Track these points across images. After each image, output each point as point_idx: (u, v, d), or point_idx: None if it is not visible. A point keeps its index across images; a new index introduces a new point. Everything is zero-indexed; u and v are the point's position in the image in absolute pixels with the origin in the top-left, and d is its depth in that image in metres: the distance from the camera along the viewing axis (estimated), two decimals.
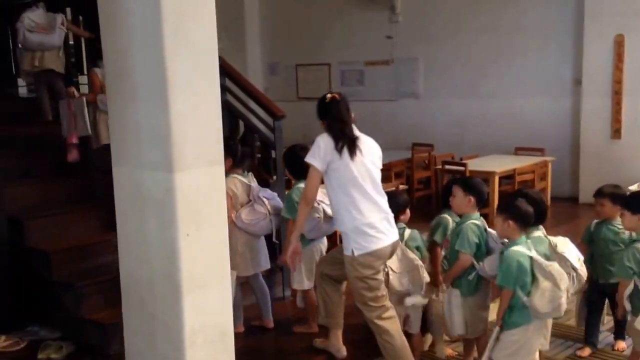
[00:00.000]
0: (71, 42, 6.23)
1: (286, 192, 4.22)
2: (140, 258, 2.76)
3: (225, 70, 4.53)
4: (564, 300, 2.98)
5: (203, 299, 2.70)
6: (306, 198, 3.34)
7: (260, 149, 4.95)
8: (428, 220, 3.73)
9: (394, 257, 3.38)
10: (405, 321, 3.53)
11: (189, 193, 2.58)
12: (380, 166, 3.40)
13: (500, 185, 6.52)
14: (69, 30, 5.63)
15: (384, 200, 3.30)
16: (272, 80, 10.11)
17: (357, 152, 3.24)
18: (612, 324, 3.91)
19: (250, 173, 3.95)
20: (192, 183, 2.58)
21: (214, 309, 2.76)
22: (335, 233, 4.47)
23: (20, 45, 5.53)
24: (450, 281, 3.38)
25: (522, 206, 3.11)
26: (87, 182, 4.66)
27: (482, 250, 3.33)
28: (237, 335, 2.91)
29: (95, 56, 5.11)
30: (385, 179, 7.20)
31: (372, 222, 3.20)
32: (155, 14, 2.42)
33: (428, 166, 7.90)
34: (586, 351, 3.76)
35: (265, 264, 3.98)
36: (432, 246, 3.69)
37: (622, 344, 3.78)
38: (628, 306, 3.22)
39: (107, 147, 3.19)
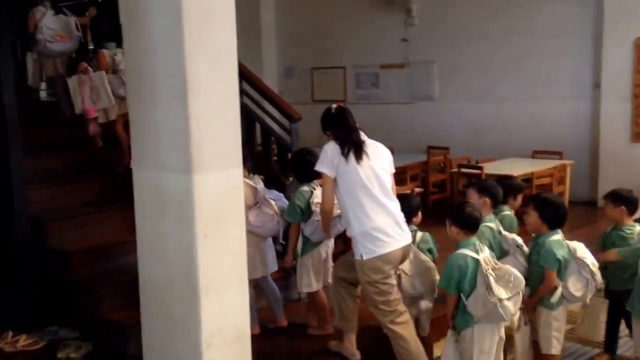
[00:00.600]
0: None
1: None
2: (159, 259, 2.78)
3: (243, 73, 4.57)
4: (505, 304, 2.93)
5: (221, 300, 2.71)
6: (324, 209, 3.42)
7: (276, 151, 4.98)
8: (443, 224, 3.71)
9: (406, 260, 3.37)
10: (415, 323, 3.51)
11: (208, 195, 2.59)
12: (392, 170, 3.42)
13: None
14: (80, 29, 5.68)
15: (393, 204, 3.30)
16: (287, 84, 10.15)
17: (364, 157, 3.26)
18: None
19: (256, 175, 3.98)
20: (210, 185, 2.60)
21: (232, 311, 2.77)
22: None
23: (37, 54, 5.59)
24: None
25: (464, 211, 3.13)
26: (108, 184, 4.72)
27: (495, 253, 3.30)
28: (253, 338, 2.92)
29: (101, 37, 5.21)
30: (401, 181, 7.19)
31: (380, 226, 3.20)
32: (176, 17, 2.45)
33: (443, 169, 7.87)
34: (604, 357, 3.72)
35: (273, 266, 3.99)
36: None
37: None
38: None
39: None
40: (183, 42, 2.45)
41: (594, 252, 3.45)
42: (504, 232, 3.41)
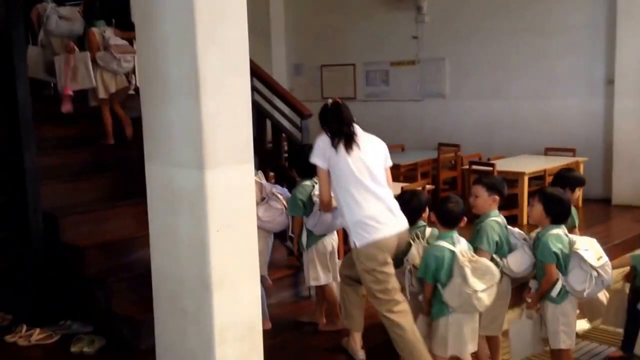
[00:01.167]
0: None
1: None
2: (172, 254, 2.81)
3: (253, 70, 4.57)
4: (480, 296, 3.03)
5: (233, 295, 2.73)
6: (322, 202, 3.49)
7: (287, 147, 4.99)
8: None
9: (416, 255, 3.36)
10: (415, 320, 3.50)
11: (220, 190, 2.62)
12: (388, 164, 3.47)
13: (529, 186, 6.43)
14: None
15: (385, 192, 3.34)
16: (296, 81, 10.15)
17: (354, 147, 3.32)
18: None
19: (259, 171, 4.02)
20: (222, 180, 2.62)
21: (244, 306, 2.79)
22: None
23: (47, 34, 5.60)
24: None
25: (447, 206, 3.24)
26: (121, 180, 4.76)
27: (504, 248, 3.34)
28: (264, 333, 2.94)
29: (92, 16, 5.29)
30: (412, 178, 7.20)
31: (372, 214, 3.24)
32: (189, 14, 2.47)
33: (454, 166, 7.84)
34: (617, 354, 3.70)
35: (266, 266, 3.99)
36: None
37: None
38: None
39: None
40: (196, 41, 2.47)
41: (609, 250, 3.42)
42: (510, 227, 3.42)
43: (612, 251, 4.39)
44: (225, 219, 2.65)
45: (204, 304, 2.70)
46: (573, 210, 3.72)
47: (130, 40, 5.25)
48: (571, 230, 3.57)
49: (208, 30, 2.50)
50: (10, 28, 4.01)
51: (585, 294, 3.30)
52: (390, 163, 3.51)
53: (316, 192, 3.74)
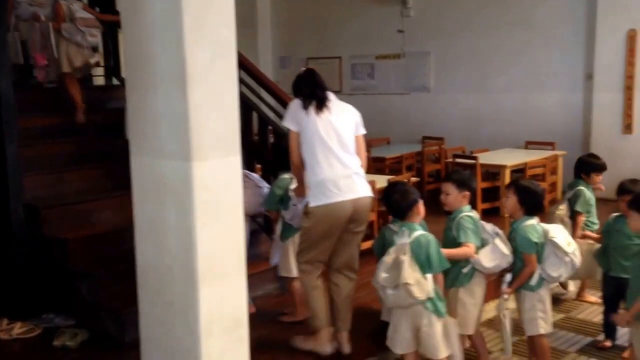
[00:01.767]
0: None
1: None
2: (158, 247, 2.79)
3: (239, 61, 4.55)
4: (410, 288, 2.96)
5: (219, 288, 2.72)
6: (293, 162, 3.49)
7: (273, 139, 4.98)
8: (438, 213, 3.74)
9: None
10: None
11: (207, 182, 2.60)
12: (360, 132, 3.49)
13: (511, 178, 6.51)
14: None
15: (351, 158, 3.38)
16: (283, 74, 10.12)
17: (325, 110, 3.36)
18: None
19: None
20: (209, 172, 2.60)
21: (230, 298, 2.79)
22: None
23: (17, 19, 5.56)
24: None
25: (392, 199, 3.25)
26: (105, 171, 4.72)
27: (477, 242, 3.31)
28: (250, 325, 2.94)
29: None
30: (397, 171, 7.25)
31: (332, 178, 3.29)
32: (176, 3, 2.44)
33: (438, 159, 7.91)
34: (608, 343, 3.78)
35: None
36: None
37: None
38: None
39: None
40: (183, 29, 2.44)
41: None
42: (482, 222, 3.40)
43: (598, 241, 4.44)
44: (212, 211, 2.63)
45: (190, 296, 2.69)
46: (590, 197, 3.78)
47: (102, 19, 5.30)
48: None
49: (196, 20, 2.47)
50: None
51: (561, 279, 3.43)
52: (362, 131, 3.52)
53: (293, 186, 3.75)
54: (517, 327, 3.50)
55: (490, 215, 6.17)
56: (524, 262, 3.30)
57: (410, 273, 2.97)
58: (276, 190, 3.82)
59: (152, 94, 2.64)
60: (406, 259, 2.99)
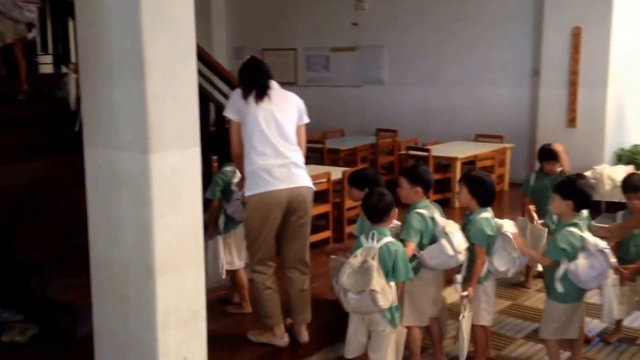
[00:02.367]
0: None
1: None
2: (114, 240, 2.75)
3: (197, 52, 4.50)
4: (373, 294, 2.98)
5: (177, 280, 2.71)
6: (233, 152, 3.47)
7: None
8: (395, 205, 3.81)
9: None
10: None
11: (165, 174, 2.58)
12: (303, 121, 3.47)
13: (462, 170, 6.68)
14: None
15: (291, 147, 3.34)
16: (237, 65, 9.97)
17: (266, 99, 3.33)
18: None
19: None
20: (168, 164, 2.58)
21: (188, 291, 2.78)
22: None
23: None
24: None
25: (369, 201, 3.22)
26: (57, 162, 4.57)
27: (423, 240, 3.36)
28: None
29: None
30: (351, 163, 7.31)
31: (267, 167, 3.27)
32: None
33: (392, 151, 8.03)
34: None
35: None
36: None
37: None
38: (560, 288, 3.29)
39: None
40: (141, 18, 2.40)
41: None
42: (437, 219, 3.41)
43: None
44: (170, 203, 2.62)
45: (147, 289, 2.67)
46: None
47: None
48: None
49: (153, 8, 2.43)
50: None
51: (509, 274, 3.49)
52: (306, 120, 3.50)
53: (235, 179, 3.75)
54: None
55: (441, 206, 6.29)
56: (474, 254, 3.37)
57: (379, 280, 2.95)
58: (218, 179, 3.77)
59: (108, 84, 2.59)
60: (375, 264, 2.97)
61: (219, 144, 3.93)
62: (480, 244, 3.36)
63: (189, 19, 2.59)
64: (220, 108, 4.94)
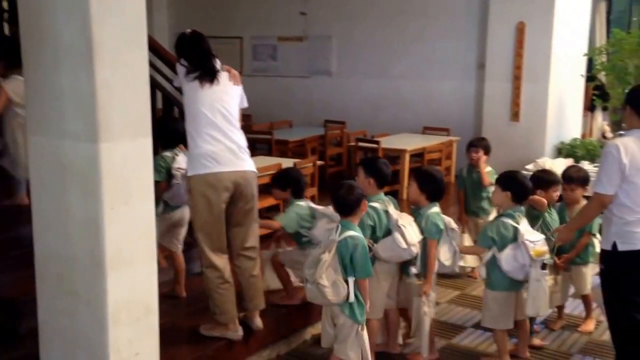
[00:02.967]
0: None
1: None
2: (60, 233, 2.63)
3: None
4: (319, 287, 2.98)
5: (128, 275, 2.62)
6: None
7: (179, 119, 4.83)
8: None
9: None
10: None
11: (115, 165, 2.48)
12: (243, 104, 3.46)
13: (410, 162, 6.79)
14: None
15: (236, 133, 3.33)
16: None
17: (209, 81, 3.27)
18: None
19: None
20: (118, 155, 2.49)
21: (140, 286, 2.70)
22: None
23: None
24: None
25: (338, 194, 3.15)
26: None
27: (377, 233, 3.37)
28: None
29: None
30: (300, 154, 7.29)
31: (212, 151, 3.23)
32: None
33: (341, 143, 8.05)
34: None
35: None
36: None
37: None
38: (483, 273, 3.45)
39: None
40: (89, 4, 2.29)
41: None
42: (391, 212, 3.42)
43: None
44: (121, 195, 2.52)
45: (96, 284, 2.57)
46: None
47: None
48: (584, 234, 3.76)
49: None
50: None
51: (452, 269, 3.58)
52: (245, 104, 3.48)
53: (176, 165, 3.69)
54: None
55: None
56: (427, 248, 3.41)
57: (326, 273, 2.91)
58: (160, 162, 3.67)
59: (54, 70, 2.46)
60: (327, 257, 2.93)
61: (160, 132, 3.83)
62: (433, 237, 3.42)
63: (140, 6, 2.49)
64: (167, 97, 4.82)
